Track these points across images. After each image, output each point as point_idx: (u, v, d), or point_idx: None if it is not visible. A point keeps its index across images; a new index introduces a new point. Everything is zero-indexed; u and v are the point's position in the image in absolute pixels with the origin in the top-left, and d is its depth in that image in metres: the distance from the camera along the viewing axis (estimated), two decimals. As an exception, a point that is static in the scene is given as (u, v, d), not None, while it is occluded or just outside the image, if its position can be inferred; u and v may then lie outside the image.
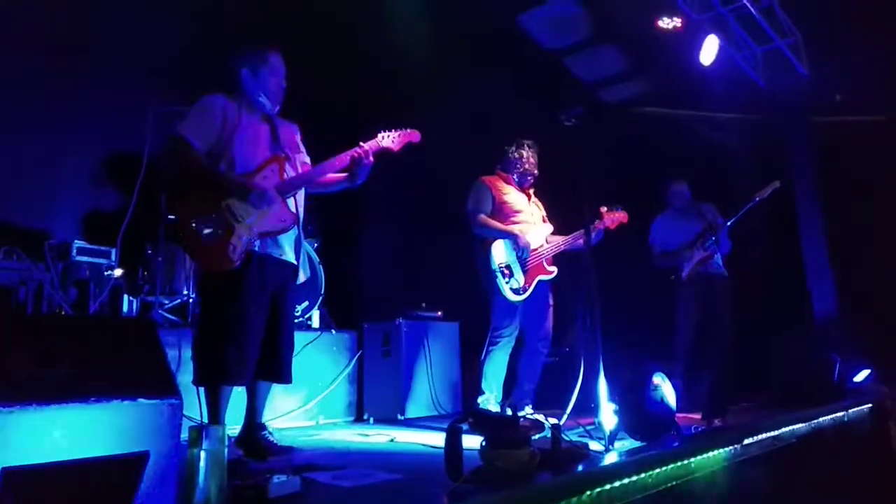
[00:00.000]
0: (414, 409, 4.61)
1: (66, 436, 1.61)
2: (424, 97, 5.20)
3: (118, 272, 4.54)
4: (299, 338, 4.45)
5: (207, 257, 2.76)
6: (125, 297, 4.57)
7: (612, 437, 2.67)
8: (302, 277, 3.16)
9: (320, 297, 4.77)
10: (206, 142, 2.83)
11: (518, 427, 1.99)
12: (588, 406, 3.27)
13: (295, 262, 3.02)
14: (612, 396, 2.79)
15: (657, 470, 2.23)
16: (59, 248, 4.33)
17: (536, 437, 2.05)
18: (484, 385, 3.92)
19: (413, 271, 5.55)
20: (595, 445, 2.58)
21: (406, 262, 5.55)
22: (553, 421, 2.48)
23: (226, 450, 1.59)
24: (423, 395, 4.73)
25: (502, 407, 3.45)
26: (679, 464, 2.36)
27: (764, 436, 2.97)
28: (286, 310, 2.99)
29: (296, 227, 2.98)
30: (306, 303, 4.71)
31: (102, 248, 4.47)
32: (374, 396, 4.75)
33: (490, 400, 3.84)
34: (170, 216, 2.82)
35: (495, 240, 4.00)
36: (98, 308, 4.35)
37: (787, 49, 5.58)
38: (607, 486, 1.99)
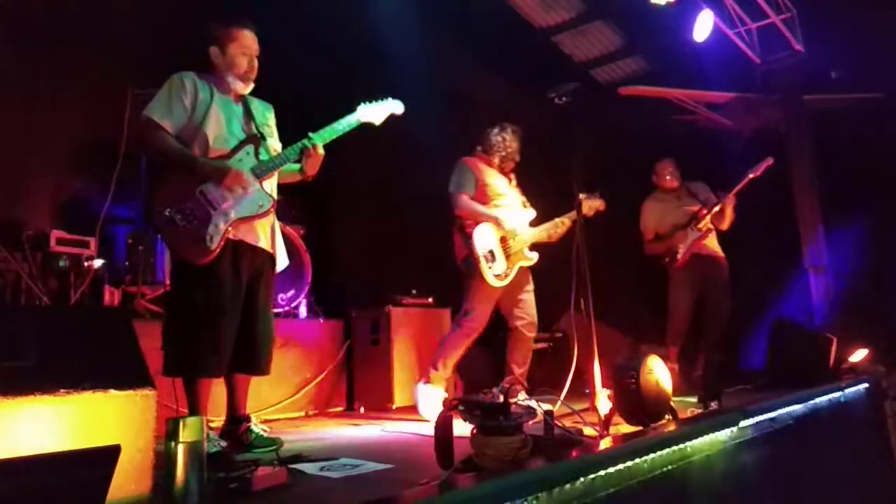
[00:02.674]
0: (405, 398, 4.53)
1: (33, 428, 1.54)
2: (408, 74, 5.08)
3: (98, 262, 4.43)
4: (286, 327, 4.43)
5: (183, 246, 2.65)
6: (106, 287, 4.47)
7: (607, 423, 2.61)
8: (280, 266, 3.04)
9: (307, 286, 4.67)
10: (177, 124, 2.72)
11: (509, 414, 1.91)
12: (583, 391, 3.23)
13: (270, 250, 2.90)
14: (607, 381, 2.73)
15: (653, 455, 2.15)
16: (37, 239, 4.21)
17: (529, 423, 1.96)
18: (439, 363, 3.88)
19: (403, 257, 5.46)
20: (590, 431, 2.52)
21: (396, 248, 5.45)
22: (546, 407, 2.41)
23: (205, 442, 1.50)
24: (415, 383, 4.63)
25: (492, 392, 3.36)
26: (675, 448, 2.28)
27: (761, 418, 2.90)
28: (263, 299, 2.86)
29: (272, 212, 2.86)
30: (292, 291, 4.62)
31: (82, 237, 4.35)
32: (365, 385, 4.68)
33: (439, 378, 3.85)
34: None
35: (478, 223, 3.90)
36: (79, 299, 4.24)
37: (781, 25, 5.49)
38: (601, 473, 1.91)
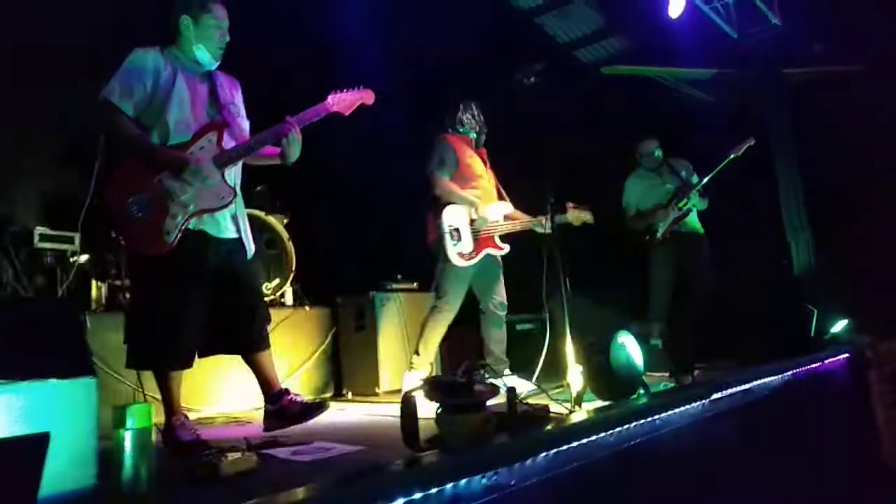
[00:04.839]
0: (392, 382, 4.57)
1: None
2: (387, 57, 5.08)
3: (84, 257, 4.45)
4: (273, 316, 4.44)
5: (139, 239, 2.57)
6: (93, 282, 4.49)
7: (579, 399, 2.65)
8: (249, 252, 2.93)
9: (291, 274, 4.70)
10: (136, 106, 2.59)
11: (472, 392, 1.95)
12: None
13: (236, 236, 2.80)
14: (579, 358, 2.77)
15: (619, 429, 2.20)
16: (21, 235, 4.22)
17: (491, 401, 1.99)
18: (420, 348, 3.91)
19: (388, 243, 5.48)
20: (561, 407, 2.55)
21: (380, 234, 5.48)
22: (512, 384, 2.45)
23: (153, 428, 1.53)
24: (401, 368, 4.67)
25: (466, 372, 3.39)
26: (643, 422, 2.33)
27: (734, 390, 2.94)
28: (238, 283, 2.77)
29: (233, 202, 2.75)
30: (277, 280, 4.64)
31: (66, 233, 4.36)
32: (352, 371, 4.71)
33: (422, 363, 3.86)
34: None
35: (449, 203, 3.92)
36: (64, 294, 4.27)
37: (757, -2, 5.49)
38: (564, 447, 1.95)
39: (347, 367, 4.74)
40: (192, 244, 2.61)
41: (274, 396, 2.81)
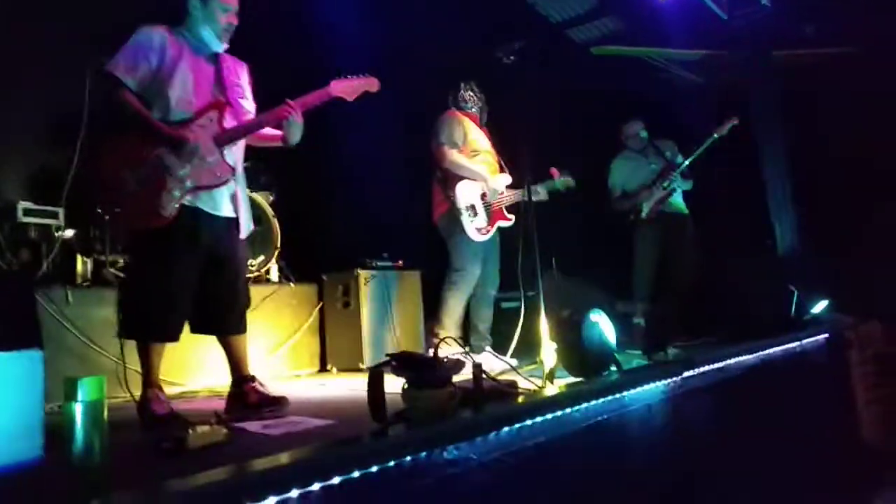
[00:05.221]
0: (376, 358, 4.59)
1: None
2: (379, 38, 5.05)
3: (69, 232, 4.45)
4: (256, 292, 4.47)
5: (136, 212, 2.59)
6: (78, 257, 4.50)
7: (552, 375, 2.68)
8: (244, 232, 2.99)
9: (276, 251, 4.71)
10: (140, 82, 2.62)
11: (438, 367, 1.97)
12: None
13: (233, 216, 2.84)
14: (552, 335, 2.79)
15: (586, 404, 2.23)
16: (4, 210, 4.22)
17: (456, 376, 2.02)
18: (445, 319, 3.93)
19: (374, 220, 5.49)
20: (531, 383, 2.58)
21: (367, 211, 5.48)
22: (489, 361, 2.48)
23: (105, 400, 1.54)
24: (386, 344, 4.71)
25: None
26: (611, 397, 2.36)
27: (706, 368, 2.98)
28: (226, 263, 2.81)
29: (232, 179, 2.80)
30: (262, 257, 4.66)
31: (50, 208, 4.36)
32: (337, 347, 4.75)
33: (450, 330, 3.88)
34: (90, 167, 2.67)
35: (460, 178, 3.95)
36: (49, 269, 4.27)
37: (747, -21, 5.45)
38: (528, 422, 1.99)
39: (332, 342, 4.78)
40: (188, 219, 2.64)
41: (238, 380, 2.85)
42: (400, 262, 5.05)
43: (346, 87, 2.91)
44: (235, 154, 2.85)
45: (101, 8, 4.39)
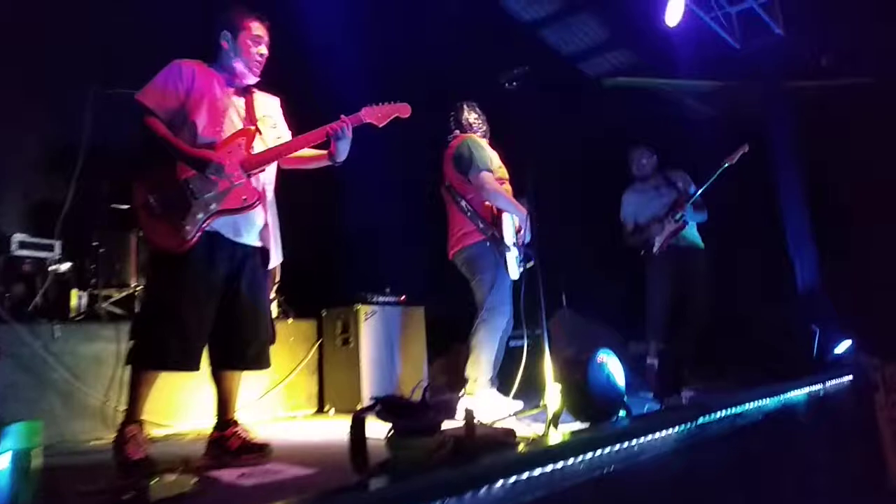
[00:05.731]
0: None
1: None
2: (393, 68, 4.97)
3: (65, 265, 4.35)
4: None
5: (160, 234, 2.59)
6: (73, 290, 4.38)
7: (556, 421, 2.48)
8: (276, 260, 2.94)
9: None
10: (167, 110, 2.67)
11: (425, 414, 1.80)
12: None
13: (257, 244, 2.79)
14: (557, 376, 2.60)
15: (590, 455, 2.03)
16: (-3, 243, 4.12)
17: (446, 423, 1.84)
18: (474, 371, 3.55)
19: (377, 254, 5.35)
20: (531, 430, 2.39)
21: (370, 245, 5.35)
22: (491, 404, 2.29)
23: (38, 448, 1.38)
24: (387, 384, 4.52)
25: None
26: (618, 447, 2.16)
27: (723, 414, 2.76)
28: (247, 292, 2.74)
29: (260, 206, 2.76)
30: (260, 291, 4.51)
31: (45, 240, 4.27)
32: (335, 387, 4.56)
33: (482, 384, 3.52)
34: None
35: (499, 209, 3.65)
36: (40, 303, 4.15)
37: (759, 8, 5.34)
38: (524, 475, 1.79)
39: (330, 382, 4.59)
40: (206, 245, 2.62)
41: (222, 423, 2.73)
42: (403, 297, 4.89)
43: (377, 113, 2.90)
44: (264, 180, 2.83)
45: (98, 32, 4.37)
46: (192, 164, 2.61)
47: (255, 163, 2.72)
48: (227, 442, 2.61)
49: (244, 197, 2.67)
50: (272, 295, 4.59)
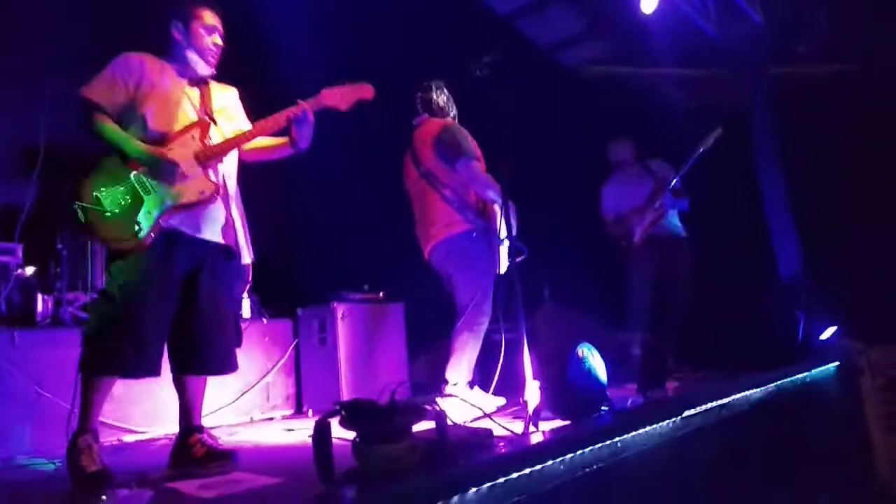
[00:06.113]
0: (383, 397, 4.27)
1: None
2: (371, 62, 4.84)
3: (29, 269, 4.20)
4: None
5: (112, 234, 2.44)
6: (39, 295, 4.23)
7: (536, 418, 2.38)
8: (245, 258, 2.79)
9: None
10: (114, 104, 2.53)
11: (395, 417, 1.68)
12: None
13: (219, 241, 2.63)
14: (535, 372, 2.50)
15: (571, 455, 1.93)
16: (-43, 248, 3.96)
17: (417, 427, 1.73)
18: (455, 374, 3.34)
19: (353, 250, 5.23)
20: (510, 430, 2.29)
21: (345, 241, 5.22)
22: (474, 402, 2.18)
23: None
24: (366, 384, 4.39)
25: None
26: (600, 445, 2.06)
27: (709, 405, 2.68)
28: (208, 294, 2.59)
29: (220, 200, 2.61)
30: (232, 291, 4.37)
31: (7, 244, 4.11)
32: (313, 387, 4.44)
33: (461, 388, 3.34)
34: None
35: (488, 201, 3.41)
36: (7, 308, 4.00)
37: (737, -4, 5.27)
38: (502, 479, 1.69)
39: (309, 382, 4.47)
40: (163, 243, 2.48)
41: (186, 431, 2.58)
42: (381, 293, 4.77)
43: (338, 95, 2.75)
44: (223, 172, 2.68)
45: (55, 27, 4.21)
46: (142, 160, 2.47)
47: (211, 154, 2.59)
48: (191, 450, 2.47)
49: (201, 190, 2.54)
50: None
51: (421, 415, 1.73)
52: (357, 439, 1.71)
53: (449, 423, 1.83)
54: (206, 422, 3.82)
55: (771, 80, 5.51)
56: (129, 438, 3.60)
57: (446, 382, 3.30)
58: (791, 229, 5.23)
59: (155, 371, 2.48)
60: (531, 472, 1.78)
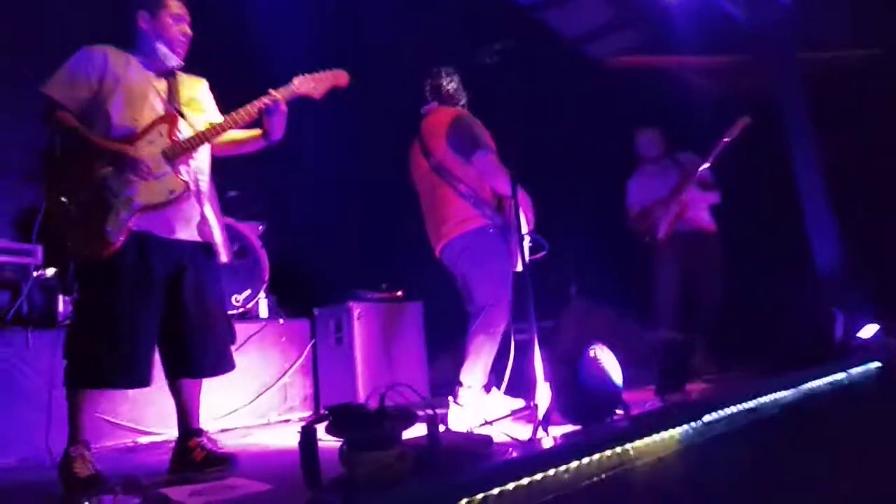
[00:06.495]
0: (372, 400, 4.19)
1: None
2: (385, 54, 4.75)
3: (50, 271, 4.21)
4: (242, 329, 4.14)
5: (80, 240, 2.35)
6: (60, 296, 4.25)
7: (545, 422, 2.26)
8: (223, 258, 2.70)
9: (264, 284, 4.39)
10: (77, 101, 2.43)
11: (383, 423, 1.58)
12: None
13: (196, 240, 2.56)
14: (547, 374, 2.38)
15: (577, 462, 1.81)
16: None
17: (406, 433, 1.63)
18: (470, 376, 3.13)
19: (372, 249, 5.16)
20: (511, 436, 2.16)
21: (365, 239, 5.15)
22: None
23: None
24: (384, 384, 4.29)
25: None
26: (610, 452, 1.93)
27: (734, 409, 2.52)
28: (192, 295, 2.52)
29: (192, 198, 2.53)
30: (249, 291, 4.33)
31: (26, 245, 4.12)
32: (330, 388, 4.37)
33: (475, 392, 3.14)
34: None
35: (505, 195, 3.19)
36: (28, 309, 4.01)
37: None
38: (496, 490, 1.57)
39: (326, 382, 4.41)
40: (136, 247, 2.39)
41: (185, 435, 2.52)
42: (399, 292, 4.68)
43: (311, 83, 2.67)
44: (195, 168, 2.58)
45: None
46: (107, 160, 2.37)
47: (181, 150, 2.49)
48: (191, 454, 2.41)
49: (170, 189, 2.45)
50: (261, 295, 4.43)
51: (411, 420, 1.63)
52: (343, 446, 1.62)
53: (443, 429, 1.72)
54: (221, 423, 3.87)
55: (801, 64, 5.27)
56: (144, 440, 3.58)
57: (461, 385, 3.16)
58: (828, 220, 4.99)
59: (142, 380, 2.40)
60: (530, 481, 1.67)
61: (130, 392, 3.41)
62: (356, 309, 4.32)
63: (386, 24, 5.06)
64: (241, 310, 4.26)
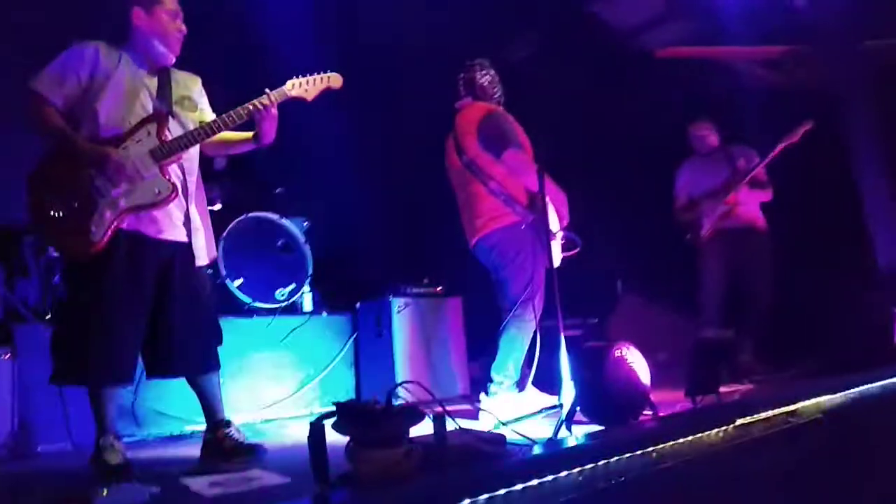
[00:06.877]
0: (412, 392, 4.21)
1: None
2: (423, 45, 4.70)
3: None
4: (286, 323, 4.25)
5: (66, 240, 2.37)
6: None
7: (568, 421, 2.23)
8: (201, 260, 2.68)
9: (308, 278, 4.47)
10: (66, 99, 2.41)
11: (390, 420, 1.59)
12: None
13: (184, 240, 2.56)
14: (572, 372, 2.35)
15: (592, 465, 1.77)
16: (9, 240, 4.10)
17: (413, 430, 1.63)
18: (501, 372, 3.14)
19: (415, 244, 5.18)
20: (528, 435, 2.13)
21: (410, 235, 5.18)
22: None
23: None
24: (423, 377, 4.32)
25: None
26: (630, 454, 1.88)
27: (770, 413, 2.42)
28: (181, 294, 2.52)
29: (180, 197, 2.52)
30: (293, 285, 4.42)
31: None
32: (370, 380, 4.44)
33: (507, 387, 3.15)
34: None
35: (536, 192, 3.10)
36: (52, 302, 4.10)
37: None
38: (502, 491, 1.56)
39: (366, 376, 4.47)
40: (126, 247, 2.40)
41: (213, 425, 2.57)
42: (439, 287, 4.69)
43: (304, 86, 2.64)
44: (183, 169, 2.59)
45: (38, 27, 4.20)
46: (90, 160, 2.34)
47: (169, 151, 2.45)
48: (221, 444, 2.48)
49: (156, 190, 2.42)
50: (305, 289, 4.50)
51: (418, 418, 1.63)
52: (350, 443, 1.63)
53: (453, 427, 1.71)
54: (264, 414, 3.96)
55: (865, 55, 5.00)
56: (189, 429, 3.68)
57: (492, 381, 3.15)
58: (891, 215, 4.74)
59: (126, 378, 2.42)
60: (540, 483, 1.64)
61: (175, 383, 3.51)
62: (396, 303, 4.36)
63: (434, 16, 4.98)
64: (285, 303, 4.35)
